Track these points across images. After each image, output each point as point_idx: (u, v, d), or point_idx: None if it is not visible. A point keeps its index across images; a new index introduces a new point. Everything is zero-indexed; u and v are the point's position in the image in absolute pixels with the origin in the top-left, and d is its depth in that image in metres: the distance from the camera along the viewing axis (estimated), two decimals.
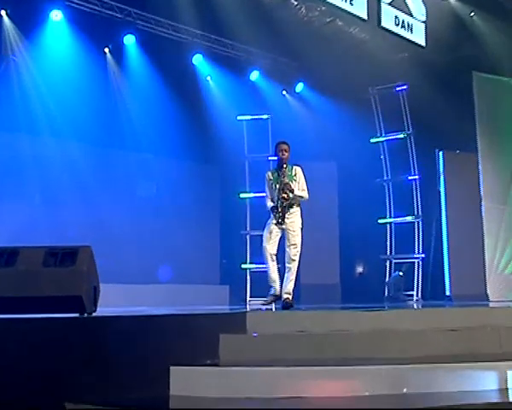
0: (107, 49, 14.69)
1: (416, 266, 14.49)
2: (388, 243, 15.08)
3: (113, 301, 9.67)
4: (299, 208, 8.68)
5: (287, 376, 5.84)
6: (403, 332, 6.81)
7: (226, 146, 15.30)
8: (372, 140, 15.36)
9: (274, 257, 8.59)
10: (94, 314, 6.76)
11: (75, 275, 6.62)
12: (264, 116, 14.75)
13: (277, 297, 8.63)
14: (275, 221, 8.52)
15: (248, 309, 9.04)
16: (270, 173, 8.72)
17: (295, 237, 8.54)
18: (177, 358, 5.92)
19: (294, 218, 8.62)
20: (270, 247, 8.51)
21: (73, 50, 13.49)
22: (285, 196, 8.43)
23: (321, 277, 15.20)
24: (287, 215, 8.53)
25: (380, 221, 15.14)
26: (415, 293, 14.25)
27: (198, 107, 15.42)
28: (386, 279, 14.95)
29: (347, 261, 16.34)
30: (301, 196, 8.66)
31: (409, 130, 14.80)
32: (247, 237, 14.39)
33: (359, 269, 17.03)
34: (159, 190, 15.47)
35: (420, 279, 14.45)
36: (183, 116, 14.80)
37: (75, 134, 13.54)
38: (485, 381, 5.93)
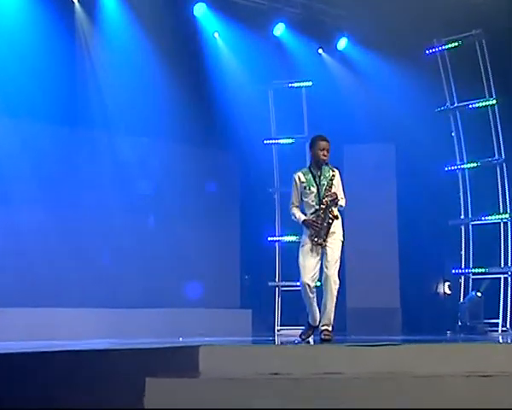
0: None
1: (502, 283, 12.77)
2: (463, 253, 13.41)
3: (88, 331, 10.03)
4: (340, 218, 8.12)
5: None
6: (422, 380, 5.75)
7: (245, 125, 13.71)
8: (439, 110, 13.63)
9: (314, 290, 8.03)
10: None
11: None
12: (297, 84, 13.64)
13: (315, 328, 8.14)
14: (312, 240, 7.90)
15: (278, 341, 9.07)
16: (301, 174, 8.09)
17: (335, 253, 7.93)
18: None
19: (336, 229, 8.01)
20: (311, 280, 7.92)
21: None
22: (334, 209, 7.93)
23: (375, 299, 13.69)
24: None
25: (451, 222, 13.50)
26: (500, 321, 12.46)
27: (203, 74, 13.57)
28: (461, 302, 13.18)
29: (410, 277, 14.28)
30: (341, 205, 8.14)
31: (492, 96, 12.93)
32: (277, 245, 13.82)
33: (442, 288, 15.03)
34: (156, 182, 13.61)
35: (509, 302, 12.82)
36: (184, 87, 13.05)
37: (31, 111, 11.98)
38: None
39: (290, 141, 13.63)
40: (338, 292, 7.87)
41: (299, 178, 8.06)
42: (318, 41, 14.87)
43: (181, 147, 13.75)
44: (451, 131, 13.42)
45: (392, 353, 6.43)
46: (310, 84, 13.51)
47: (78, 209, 12.31)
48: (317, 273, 7.93)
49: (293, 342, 8.29)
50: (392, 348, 6.52)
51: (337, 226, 8.00)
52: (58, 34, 12.16)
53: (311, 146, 8.08)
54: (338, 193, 7.99)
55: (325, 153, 7.97)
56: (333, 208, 7.87)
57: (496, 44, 12.95)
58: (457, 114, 13.31)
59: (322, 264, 7.92)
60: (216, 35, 14.24)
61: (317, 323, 8.03)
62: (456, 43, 13.25)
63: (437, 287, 14.99)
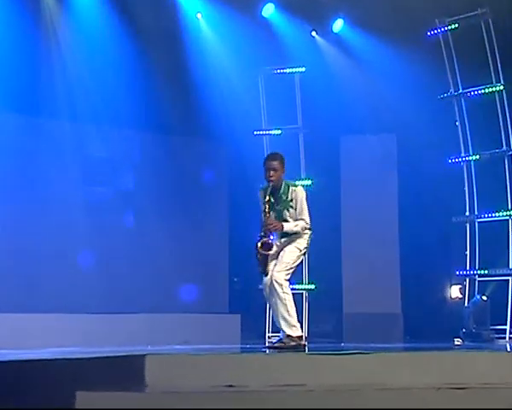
0: None
1: (510, 286, 12.30)
2: (468, 253, 12.89)
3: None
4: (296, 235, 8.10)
5: None
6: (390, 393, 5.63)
7: (233, 115, 13.25)
8: (441, 97, 13.14)
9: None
10: None
11: None
12: (289, 70, 13.30)
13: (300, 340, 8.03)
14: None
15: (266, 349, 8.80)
16: (262, 193, 8.21)
17: (286, 254, 7.97)
18: None
19: (292, 237, 8.07)
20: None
21: None
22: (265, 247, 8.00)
23: (373, 303, 13.30)
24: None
25: (455, 219, 13.09)
26: (508, 328, 12.07)
27: (184, 59, 13.05)
28: (465, 306, 12.76)
29: (413, 279, 13.89)
30: (295, 232, 8.03)
31: (499, 81, 12.46)
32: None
33: (452, 291, 14.44)
34: (133, 177, 13.14)
35: None
36: (163, 73, 12.71)
37: None
38: None
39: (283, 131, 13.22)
40: (286, 295, 7.83)
41: (261, 195, 8.18)
42: (312, 23, 14.17)
43: (161, 138, 13.28)
44: (455, 121, 12.98)
45: (361, 362, 6.20)
46: (303, 69, 13.13)
47: (41, 206, 11.84)
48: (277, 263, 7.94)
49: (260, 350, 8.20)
50: (359, 358, 6.29)
51: (292, 236, 8.00)
52: (20, 16, 11.69)
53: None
54: (297, 212, 8.00)
55: (270, 173, 7.97)
56: (265, 239, 7.93)
57: (503, 25, 12.47)
58: (462, 101, 12.84)
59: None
60: (199, 16, 13.68)
61: (299, 331, 7.96)
62: (460, 24, 12.72)
63: (443, 290, 14.56)
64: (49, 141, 12.11)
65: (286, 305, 7.79)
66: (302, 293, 12.65)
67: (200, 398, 5.55)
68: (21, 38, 11.50)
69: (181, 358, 6.51)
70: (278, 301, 7.80)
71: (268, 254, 7.92)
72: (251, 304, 13.35)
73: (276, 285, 7.78)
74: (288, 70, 13.20)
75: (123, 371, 5.87)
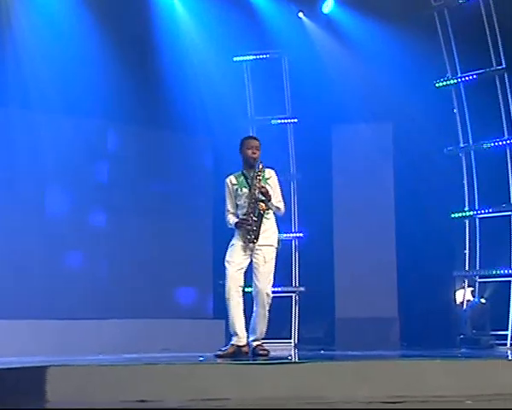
0: None
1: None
2: (467, 251, 12.36)
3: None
4: (274, 221, 8.16)
5: None
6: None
7: (217, 105, 12.71)
8: (439, 84, 12.62)
9: (241, 292, 7.92)
10: None
11: None
12: (276, 55, 12.99)
13: (241, 348, 7.88)
14: (243, 240, 7.92)
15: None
16: (232, 178, 8.17)
17: (267, 263, 7.88)
18: None
19: (269, 233, 8.03)
20: (239, 276, 7.90)
21: None
22: (263, 204, 7.87)
23: (368, 307, 12.84)
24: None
25: (454, 215, 12.43)
26: (510, 333, 11.55)
27: (159, 44, 12.30)
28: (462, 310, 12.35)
29: (411, 281, 13.11)
30: (278, 208, 8.13)
31: (500, 63, 11.91)
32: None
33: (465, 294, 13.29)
34: (105, 173, 12.55)
35: None
36: (135, 60, 11.95)
37: None
38: None
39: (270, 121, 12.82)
40: (270, 306, 7.96)
41: (231, 182, 8.22)
42: (298, 2, 13.48)
43: (138, 130, 12.61)
44: (453, 108, 12.48)
45: (294, 372, 5.93)
46: (291, 54, 12.83)
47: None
48: (243, 273, 8.03)
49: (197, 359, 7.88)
50: (292, 367, 6.11)
51: (270, 230, 8.05)
52: None
53: (240, 148, 8.20)
54: (275, 196, 8.12)
55: (254, 151, 8.12)
56: (262, 203, 7.95)
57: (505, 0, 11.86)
58: (461, 85, 12.27)
59: (251, 274, 8.03)
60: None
61: (244, 342, 7.96)
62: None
63: (444, 291, 13.63)
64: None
65: (267, 317, 7.98)
66: (292, 296, 12.15)
67: None
68: None
69: (87, 369, 6.26)
70: (262, 313, 7.90)
71: (263, 214, 7.95)
72: None
73: (266, 298, 7.87)
74: (274, 55, 12.81)
75: (21, 385, 5.67)
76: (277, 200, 8.13)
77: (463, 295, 12.61)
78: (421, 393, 5.58)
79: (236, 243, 7.98)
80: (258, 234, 7.88)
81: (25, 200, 11.47)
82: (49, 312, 11.19)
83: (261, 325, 8.00)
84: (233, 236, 8.02)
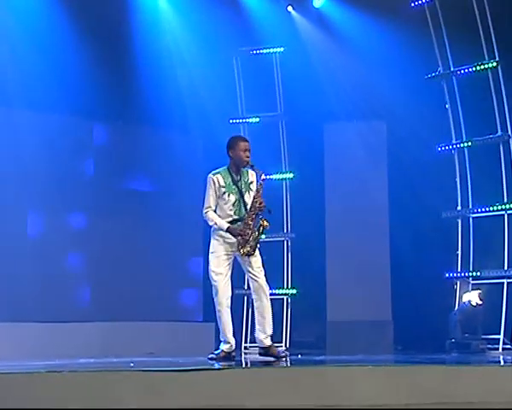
0: None
1: (504, 290, 11.40)
2: (459, 252, 11.99)
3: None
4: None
5: None
6: None
7: (207, 102, 12.66)
8: (429, 76, 12.35)
9: (230, 300, 8.07)
10: None
11: None
12: (266, 50, 12.75)
13: (231, 354, 7.97)
14: (229, 249, 7.88)
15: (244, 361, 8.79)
16: (220, 177, 7.99)
17: (259, 258, 7.86)
18: None
19: None
20: (228, 287, 7.96)
21: None
22: (266, 222, 7.86)
23: (361, 310, 12.69)
24: None
25: (445, 214, 12.16)
26: (502, 337, 11.20)
27: (146, 40, 12.22)
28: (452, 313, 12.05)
29: (405, 283, 12.91)
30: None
31: (494, 57, 11.59)
32: None
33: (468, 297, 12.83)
34: (92, 172, 12.31)
35: None
36: (121, 56, 11.97)
37: None
38: None
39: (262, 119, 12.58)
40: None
41: (218, 182, 8.01)
42: None
43: (127, 128, 12.48)
44: (445, 103, 12.13)
45: (212, 380, 5.65)
46: (281, 49, 12.51)
47: None
48: (230, 276, 8.07)
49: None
50: (211, 374, 5.77)
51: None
52: None
53: (231, 147, 8.04)
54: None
55: (248, 154, 7.99)
56: (266, 222, 7.96)
57: None
58: (454, 80, 11.95)
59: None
60: None
61: (232, 344, 7.98)
62: None
63: (439, 294, 13.08)
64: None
65: (271, 310, 8.00)
66: (283, 299, 11.97)
67: None
68: None
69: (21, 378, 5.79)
70: (267, 305, 7.92)
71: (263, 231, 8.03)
72: None
73: (267, 292, 7.89)
74: (265, 50, 12.57)
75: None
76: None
77: (479, 297, 12.28)
78: (349, 402, 5.45)
79: (219, 253, 7.90)
80: (256, 247, 7.85)
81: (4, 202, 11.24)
82: (33, 315, 11.09)
83: (269, 319, 7.90)
84: (211, 238, 7.91)
